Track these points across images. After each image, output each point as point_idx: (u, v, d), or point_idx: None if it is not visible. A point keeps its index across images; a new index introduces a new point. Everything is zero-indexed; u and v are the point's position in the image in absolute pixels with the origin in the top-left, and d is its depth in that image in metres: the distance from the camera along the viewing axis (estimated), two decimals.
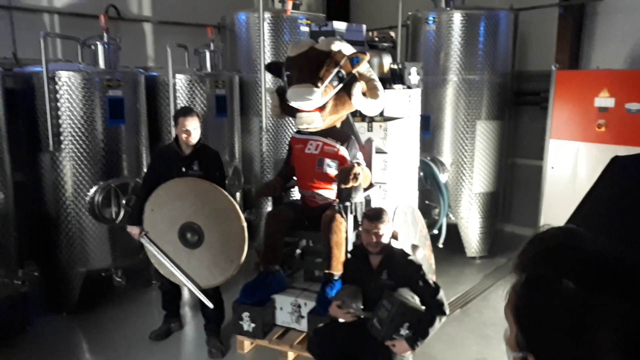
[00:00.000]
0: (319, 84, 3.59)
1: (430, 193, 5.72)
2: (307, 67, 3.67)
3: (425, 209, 5.57)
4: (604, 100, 4.69)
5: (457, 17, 5.61)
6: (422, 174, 5.66)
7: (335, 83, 3.69)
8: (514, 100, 6.23)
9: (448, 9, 5.71)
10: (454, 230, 5.84)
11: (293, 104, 3.67)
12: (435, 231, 5.64)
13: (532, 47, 6.41)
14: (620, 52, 5.64)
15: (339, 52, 3.71)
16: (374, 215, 3.23)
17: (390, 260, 3.20)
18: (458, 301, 4.75)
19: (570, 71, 5.38)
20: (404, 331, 2.98)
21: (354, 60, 3.74)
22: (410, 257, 3.25)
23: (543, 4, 6.00)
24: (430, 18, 5.77)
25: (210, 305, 3.78)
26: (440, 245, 5.58)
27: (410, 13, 6.01)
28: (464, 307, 4.66)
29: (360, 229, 3.84)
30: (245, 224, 3.56)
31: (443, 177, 5.74)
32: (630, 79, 4.64)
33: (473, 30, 5.60)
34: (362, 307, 3.16)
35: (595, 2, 5.86)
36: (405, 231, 4.34)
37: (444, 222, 5.68)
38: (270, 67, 4.17)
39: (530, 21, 6.22)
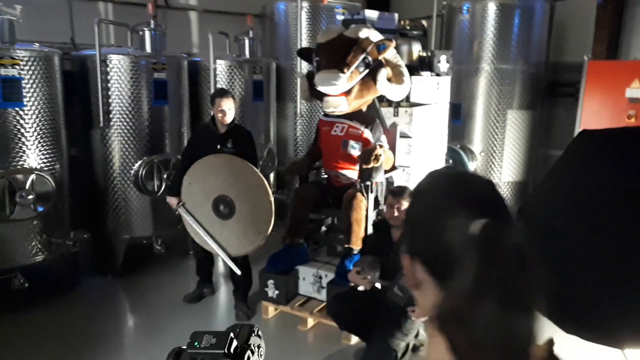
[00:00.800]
0: (345, 70, 3.80)
1: None
2: (334, 53, 3.89)
3: None
4: (636, 91, 4.67)
5: (492, 7, 5.68)
6: (450, 161, 5.78)
7: (361, 69, 3.89)
8: (549, 91, 6.23)
9: None
10: None
11: (320, 88, 3.90)
12: None
13: (569, 38, 6.37)
14: None
15: (367, 38, 3.90)
16: (398, 192, 3.48)
17: None
18: None
19: (603, 61, 5.35)
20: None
21: (380, 47, 3.92)
22: None
23: None
24: (465, 8, 5.86)
25: (238, 272, 4.09)
26: None
27: (445, 2, 6.11)
28: None
29: (380, 208, 4.05)
30: (272, 199, 3.82)
31: (472, 165, 5.84)
32: None
33: (507, 20, 5.66)
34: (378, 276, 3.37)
35: None
36: None
37: None
38: (301, 53, 4.42)
39: (568, 11, 6.18)
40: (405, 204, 3.36)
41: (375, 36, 3.97)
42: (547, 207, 1.66)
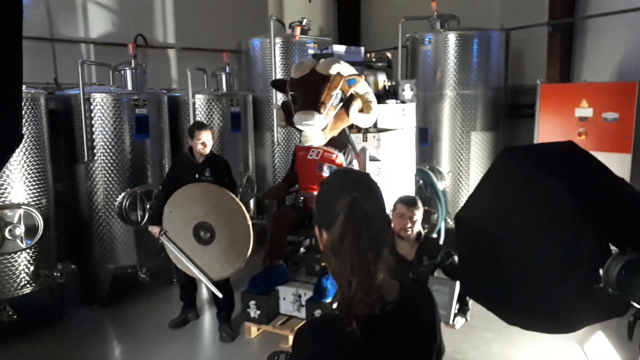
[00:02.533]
0: (322, 110, 4.09)
1: (430, 200, 6.14)
2: (309, 91, 4.15)
3: (425, 215, 5.98)
4: (584, 110, 5.08)
5: (452, 38, 6.10)
6: (421, 182, 6.11)
7: (335, 103, 4.19)
8: (510, 113, 6.64)
9: (442, 30, 6.20)
10: (453, 234, 6.22)
11: (299, 127, 4.19)
12: (435, 235, 6.04)
13: (526, 63, 6.83)
14: (608, 66, 6.00)
15: (338, 74, 4.18)
16: (410, 201, 3.26)
17: (426, 245, 3.31)
18: None
19: (554, 84, 5.79)
20: (453, 305, 3.14)
21: (350, 82, 4.24)
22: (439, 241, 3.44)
23: (533, 23, 6.43)
24: (427, 39, 6.28)
25: (220, 294, 4.28)
26: None
27: (408, 35, 6.53)
28: None
29: None
30: (250, 223, 4.04)
31: (441, 185, 6.16)
32: (607, 90, 5.02)
33: (467, 49, 6.08)
34: None
35: (584, 19, 6.27)
36: None
37: (442, 226, 6.08)
38: (275, 84, 4.74)
39: (523, 39, 6.66)
40: (418, 214, 3.18)
41: (345, 70, 4.25)
42: (479, 215, 1.94)
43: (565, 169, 1.88)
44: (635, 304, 1.66)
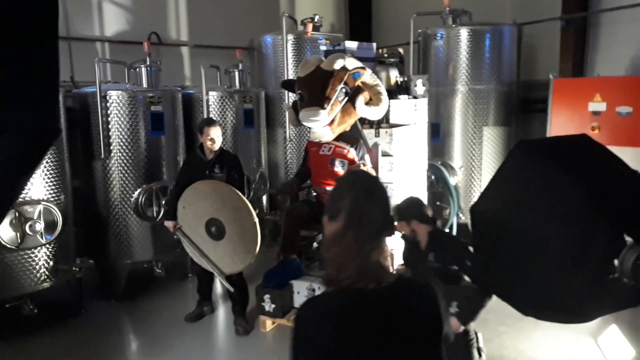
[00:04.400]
0: (325, 105, 4.11)
1: (442, 195, 6.15)
2: (314, 87, 4.19)
3: (437, 210, 6.01)
4: (597, 104, 5.06)
5: (464, 33, 6.09)
6: (433, 177, 6.12)
7: (341, 98, 4.22)
8: (523, 108, 6.62)
9: (454, 25, 6.20)
10: (465, 229, 6.24)
11: (305, 124, 4.23)
12: (447, 230, 6.05)
13: (538, 58, 6.80)
14: (621, 60, 5.96)
15: (342, 69, 4.22)
16: (398, 217, 3.26)
17: (437, 242, 3.30)
18: None
19: (567, 79, 5.76)
20: (453, 309, 3.07)
21: (355, 75, 4.26)
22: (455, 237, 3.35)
23: (545, 17, 6.40)
24: (439, 34, 6.28)
25: (231, 289, 4.35)
26: None
27: (420, 30, 6.53)
28: None
29: None
30: (256, 220, 4.04)
31: (453, 180, 6.17)
32: (620, 84, 5.00)
33: (479, 44, 6.07)
34: None
35: (598, 13, 6.23)
36: None
37: (454, 221, 6.10)
38: (284, 85, 4.77)
39: (535, 34, 6.63)
40: (415, 223, 3.23)
41: (350, 64, 4.28)
42: (493, 207, 1.97)
43: (578, 161, 1.90)
44: None
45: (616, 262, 1.69)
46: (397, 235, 3.56)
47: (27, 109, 0.97)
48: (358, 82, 4.26)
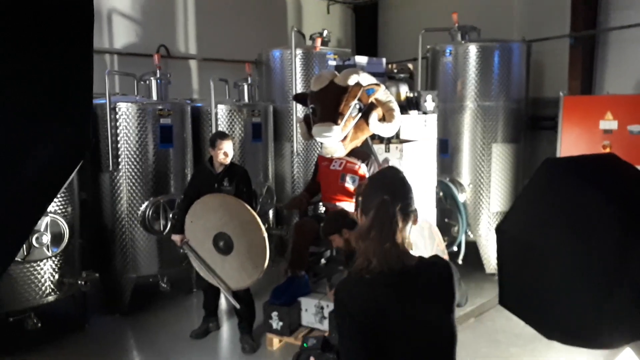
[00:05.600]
0: (339, 121, 4.07)
1: (450, 212, 6.09)
2: (328, 103, 4.15)
3: (445, 227, 5.95)
4: (608, 122, 5.03)
5: (473, 50, 6.09)
6: (441, 194, 6.07)
7: (354, 114, 4.19)
8: (531, 125, 6.59)
9: (463, 42, 6.20)
10: (473, 247, 6.17)
11: (318, 139, 4.20)
12: (455, 248, 5.99)
13: (547, 75, 6.80)
14: (630, 78, 5.96)
15: (356, 85, 4.19)
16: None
17: None
18: (474, 312, 5.07)
19: (577, 97, 5.74)
20: None
21: (369, 92, 4.24)
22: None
23: (554, 35, 6.41)
24: (448, 50, 6.28)
25: (237, 305, 4.29)
26: (460, 262, 5.91)
27: (429, 46, 6.53)
28: (478, 316, 4.98)
29: None
30: (265, 234, 3.99)
31: (461, 197, 6.12)
32: (632, 102, 4.98)
33: (487, 60, 6.06)
34: None
35: (606, 31, 6.24)
36: (421, 244, 4.75)
37: (462, 239, 6.03)
38: (297, 98, 4.75)
39: (544, 51, 6.63)
40: (345, 232, 3.62)
41: (365, 79, 4.27)
42: (521, 226, 1.92)
43: (608, 180, 1.86)
44: None
45: None
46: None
47: (61, 119, 0.96)
48: (372, 99, 4.24)
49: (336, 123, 4.05)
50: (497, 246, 2.02)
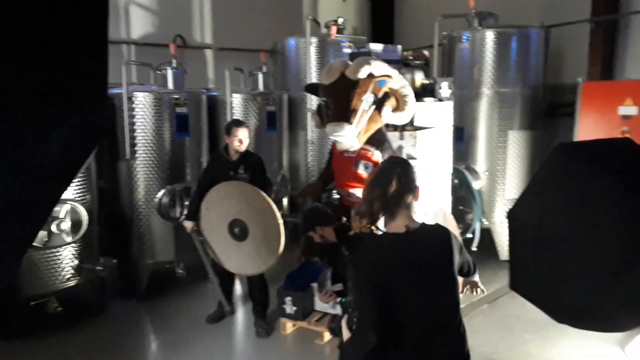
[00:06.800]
0: (352, 119, 4.03)
1: (465, 199, 6.06)
2: (339, 99, 4.04)
3: (460, 214, 5.92)
4: (628, 108, 4.93)
5: (490, 36, 6.00)
6: (456, 181, 6.03)
7: (367, 107, 4.14)
8: (549, 112, 6.49)
9: (480, 28, 6.12)
10: (488, 234, 6.14)
11: (331, 137, 4.18)
12: (469, 235, 5.96)
13: (566, 61, 6.67)
14: None
15: (368, 77, 4.12)
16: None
17: (343, 235, 3.47)
18: (487, 298, 5.05)
19: (595, 82, 5.63)
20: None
21: (380, 83, 4.19)
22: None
23: (574, 20, 6.28)
24: (465, 37, 6.20)
25: (227, 306, 4.57)
26: (474, 248, 5.89)
27: (445, 33, 6.46)
28: (491, 302, 4.96)
29: None
30: (281, 221, 4.03)
31: (476, 185, 6.07)
32: None
33: (505, 47, 5.97)
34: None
35: (628, 15, 6.09)
36: None
37: (477, 226, 6.00)
38: (308, 88, 4.74)
39: (563, 37, 6.51)
40: (319, 229, 3.46)
41: (377, 69, 4.18)
42: (533, 211, 1.90)
43: (621, 165, 1.83)
44: None
45: None
46: None
47: (77, 107, 0.98)
48: (384, 89, 4.20)
49: (349, 122, 4.01)
50: (508, 231, 2.02)
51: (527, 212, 2.02)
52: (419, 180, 2.30)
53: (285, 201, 6.30)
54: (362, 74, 4.07)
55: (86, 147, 1.07)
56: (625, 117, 4.98)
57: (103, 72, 1.02)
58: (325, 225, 3.37)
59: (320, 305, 4.39)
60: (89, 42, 0.98)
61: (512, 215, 2.04)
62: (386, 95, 4.25)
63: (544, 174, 1.97)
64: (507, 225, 2.05)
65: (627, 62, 6.11)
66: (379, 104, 4.20)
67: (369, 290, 2.09)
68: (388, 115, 4.22)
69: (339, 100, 4.09)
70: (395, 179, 2.15)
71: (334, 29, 6.45)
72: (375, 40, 7.46)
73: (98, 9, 0.97)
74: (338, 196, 4.66)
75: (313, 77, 6.12)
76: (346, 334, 2.43)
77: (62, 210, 4.30)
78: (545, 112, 6.38)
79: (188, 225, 4.45)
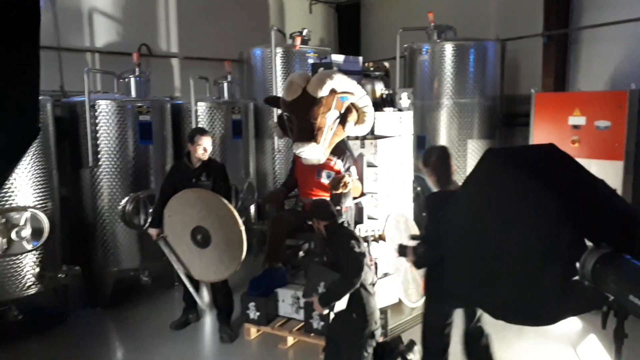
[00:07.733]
0: (319, 138, 4.12)
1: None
2: (304, 118, 4.15)
3: (423, 220, 6.08)
4: (577, 118, 5.20)
5: (449, 48, 6.25)
6: (419, 188, 6.21)
7: (330, 123, 4.26)
8: (507, 122, 6.76)
9: (439, 40, 6.35)
10: None
11: (297, 154, 4.28)
12: None
13: (522, 73, 6.97)
14: (601, 76, 6.14)
15: (330, 93, 4.21)
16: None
17: (331, 234, 3.57)
18: None
19: (547, 93, 5.92)
20: (320, 289, 3.34)
21: (342, 99, 4.32)
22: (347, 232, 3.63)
23: (528, 33, 6.58)
24: (424, 49, 6.42)
25: (200, 302, 4.64)
26: None
27: (406, 45, 6.67)
28: None
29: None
30: (242, 228, 4.07)
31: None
32: (599, 99, 5.14)
33: (463, 59, 6.22)
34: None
35: (578, 30, 6.41)
36: (396, 235, 4.88)
37: None
38: (268, 101, 4.84)
39: (518, 49, 6.80)
40: (315, 222, 3.58)
41: (339, 83, 4.25)
42: (462, 213, 2.05)
43: (545, 169, 2.00)
44: (609, 295, 1.77)
45: (578, 265, 1.77)
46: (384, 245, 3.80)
47: (8, 109, 1.03)
48: (346, 104, 4.33)
49: (317, 141, 4.10)
50: (442, 232, 2.16)
51: (458, 214, 2.17)
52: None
53: (252, 208, 6.37)
54: (324, 91, 4.16)
55: (20, 149, 1.12)
56: (575, 127, 5.24)
57: (35, 78, 1.08)
58: (322, 219, 3.50)
59: (283, 310, 4.47)
60: (21, 50, 1.03)
61: (444, 216, 2.18)
62: (348, 110, 4.38)
63: (473, 179, 2.12)
64: (441, 227, 2.19)
65: (579, 74, 6.43)
66: (342, 118, 4.34)
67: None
68: (351, 129, 4.38)
69: (303, 120, 4.16)
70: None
71: (298, 40, 6.59)
72: (342, 51, 7.64)
73: (29, 18, 1.03)
74: (302, 203, 4.77)
75: (279, 86, 6.22)
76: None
77: (22, 217, 4.27)
78: (502, 121, 6.65)
79: (153, 232, 4.47)
